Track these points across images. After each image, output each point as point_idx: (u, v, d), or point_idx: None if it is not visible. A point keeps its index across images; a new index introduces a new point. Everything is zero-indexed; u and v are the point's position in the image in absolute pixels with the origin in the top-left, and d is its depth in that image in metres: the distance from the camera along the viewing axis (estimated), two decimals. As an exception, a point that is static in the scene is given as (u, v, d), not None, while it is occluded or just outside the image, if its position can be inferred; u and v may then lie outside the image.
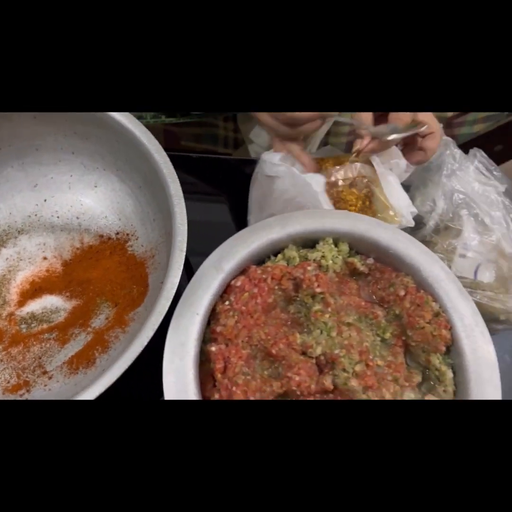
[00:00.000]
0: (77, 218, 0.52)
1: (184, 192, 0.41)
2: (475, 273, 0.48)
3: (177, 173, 0.42)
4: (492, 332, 0.51)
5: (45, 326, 0.48)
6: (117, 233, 0.52)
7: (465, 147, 0.55)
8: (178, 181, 0.42)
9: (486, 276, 0.47)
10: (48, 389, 0.44)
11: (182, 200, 0.41)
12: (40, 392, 0.43)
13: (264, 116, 0.47)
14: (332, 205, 0.45)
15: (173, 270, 0.38)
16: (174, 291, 0.37)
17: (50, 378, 0.45)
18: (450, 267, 0.48)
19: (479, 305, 0.48)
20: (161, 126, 0.77)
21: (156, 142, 0.43)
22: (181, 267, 0.38)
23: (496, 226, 0.46)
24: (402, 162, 0.47)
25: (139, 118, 0.46)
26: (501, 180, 0.49)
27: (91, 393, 0.34)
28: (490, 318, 0.49)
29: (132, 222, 0.52)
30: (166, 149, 0.43)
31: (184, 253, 0.39)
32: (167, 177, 0.42)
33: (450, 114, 0.80)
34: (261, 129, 0.70)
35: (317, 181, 0.45)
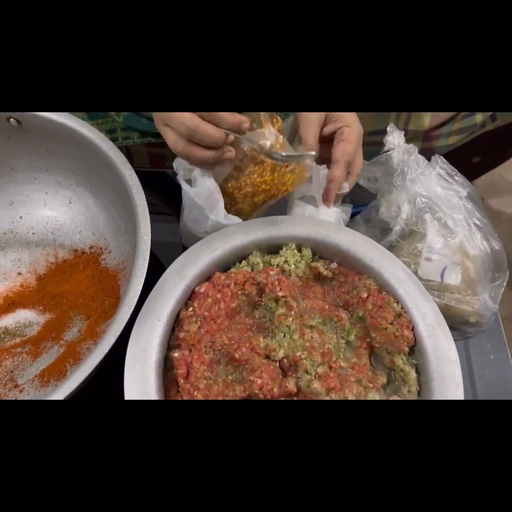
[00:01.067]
0: (52, 233, 0.54)
1: (161, 207, 0.41)
2: (442, 275, 0.48)
3: (154, 189, 0.43)
4: (465, 335, 0.52)
5: (18, 340, 0.48)
6: (91, 247, 0.53)
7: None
8: (143, 192, 0.43)
9: (453, 278, 0.48)
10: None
11: (146, 210, 0.42)
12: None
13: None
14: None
15: (135, 278, 0.39)
16: (136, 298, 0.38)
17: (21, 391, 0.45)
18: (416, 270, 0.48)
19: (448, 308, 0.49)
20: (144, 149, 0.79)
21: (122, 155, 0.45)
22: (144, 275, 0.39)
23: (459, 228, 0.47)
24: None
25: (113, 140, 0.47)
26: (463, 185, 0.51)
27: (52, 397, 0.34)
28: (461, 321, 0.50)
29: (105, 236, 0.53)
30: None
31: (147, 262, 0.39)
32: (132, 189, 0.43)
33: (426, 126, 0.82)
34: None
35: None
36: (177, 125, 0.39)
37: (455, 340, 0.51)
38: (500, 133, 0.88)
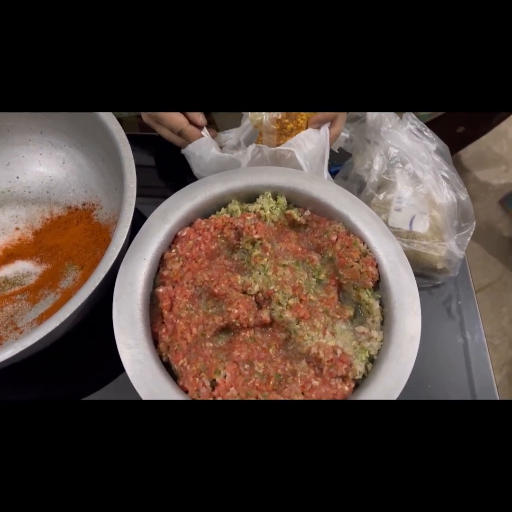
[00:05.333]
0: (47, 192, 0.57)
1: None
2: (411, 224, 0.51)
3: (142, 151, 0.46)
4: (434, 283, 0.55)
5: (17, 288, 0.52)
6: (84, 204, 0.56)
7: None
8: (129, 146, 0.46)
9: (421, 226, 0.51)
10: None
11: (132, 161, 0.45)
12: (11, 342, 0.47)
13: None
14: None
15: (122, 222, 0.42)
16: (123, 239, 0.41)
17: (21, 333, 0.49)
18: (387, 220, 0.52)
19: (417, 255, 0.52)
20: (136, 120, 0.82)
21: (110, 114, 0.48)
22: (130, 219, 0.42)
23: (427, 177, 0.50)
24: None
25: None
26: (432, 140, 0.54)
27: (47, 328, 0.38)
28: (429, 267, 0.53)
29: (97, 193, 0.56)
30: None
31: (133, 207, 0.43)
32: (119, 143, 0.46)
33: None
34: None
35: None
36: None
37: (424, 287, 0.55)
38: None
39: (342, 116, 0.51)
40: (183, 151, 0.53)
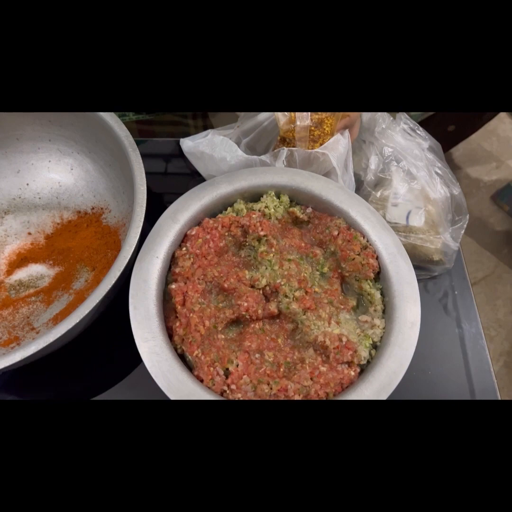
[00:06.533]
0: (57, 197, 0.59)
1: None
2: (407, 218, 0.54)
3: (149, 155, 0.48)
4: (431, 274, 0.58)
5: (31, 290, 0.54)
6: (93, 208, 0.58)
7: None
8: (137, 149, 0.48)
9: (417, 220, 0.54)
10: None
11: (141, 165, 0.47)
12: (28, 342, 0.49)
13: None
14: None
15: (135, 222, 0.44)
16: (136, 239, 0.44)
17: (37, 333, 0.51)
18: (384, 215, 0.54)
19: (414, 248, 0.55)
20: (135, 126, 0.84)
21: (118, 119, 0.50)
22: (142, 219, 0.44)
23: (421, 174, 0.53)
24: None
25: None
26: (425, 138, 0.56)
27: (66, 325, 0.40)
28: (426, 260, 0.56)
29: (105, 197, 0.58)
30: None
31: (144, 208, 0.45)
32: (128, 148, 0.48)
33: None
34: (233, 116, 0.76)
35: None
36: None
37: (422, 279, 0.57)
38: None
39: (359, 120, 0.54)
40: (189, 149, 0.54)
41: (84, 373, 0.50)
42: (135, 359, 0.43)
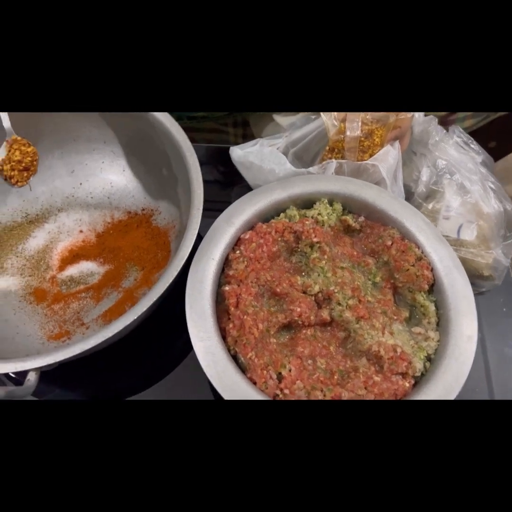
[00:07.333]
0: (108, 197, 0.61)
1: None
2: (458, 232, 0.53)
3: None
4: (478, 290, 0.57)
5: (82, 287, 0.55)
6: (143, 209, 0.59)
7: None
8: (195, 155, 0.49)
9: (468, 234, 0.53)
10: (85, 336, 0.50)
11: (198, 169, 0.48)
12: (78, 337, 0.50)
13: None
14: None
15: (192, 224, 0.45)
16: (193, 241, 0.44)
17: (87, 328, 0.52)
18: (435, 228, 0.54)
19: (464, 261, 0.54)
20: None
21: (176, 123, 0.51)
22: (199, 222, 0.45)
23: (474, 188, 0.53)
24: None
25: None
26: (478, 152, 0.56)
27: (122, 323, 0.41)
28: (476, 275, 0.55)
29: (156, 199, 0.59)
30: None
31: (201, 212, 0.46)
32: (186, 152, 0.50)
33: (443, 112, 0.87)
34: (275, 126, 0.78)
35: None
36: None
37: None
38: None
39: (409, 132, 0.54)
40: (238, 159, 0.55)
41: (129, 370, 0.51)
42: (177, 358, 0.44)
